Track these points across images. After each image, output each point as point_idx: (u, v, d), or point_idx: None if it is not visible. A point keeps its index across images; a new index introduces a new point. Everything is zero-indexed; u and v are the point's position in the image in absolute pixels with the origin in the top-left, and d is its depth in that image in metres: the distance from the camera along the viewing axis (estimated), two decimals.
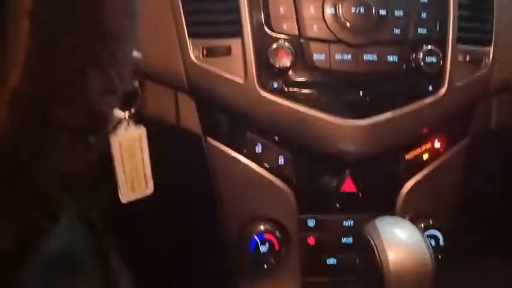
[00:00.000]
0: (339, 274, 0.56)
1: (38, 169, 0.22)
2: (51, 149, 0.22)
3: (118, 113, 0.39)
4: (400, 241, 0.41)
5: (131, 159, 0.40)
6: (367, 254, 0.41)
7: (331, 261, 0.55)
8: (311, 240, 0.55)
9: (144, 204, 0.54)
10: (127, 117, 0.41)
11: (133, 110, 0.41)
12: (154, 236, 0.61)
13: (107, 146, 0.39)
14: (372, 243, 0.41)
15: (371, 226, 0.42)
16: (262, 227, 0.53)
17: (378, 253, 0.40)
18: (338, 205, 0.55)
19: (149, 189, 0.43)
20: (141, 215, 0.58)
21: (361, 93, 0.51)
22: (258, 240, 0.52)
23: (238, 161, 0.53)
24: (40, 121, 0.22)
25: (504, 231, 0.65)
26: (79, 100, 0.22)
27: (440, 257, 0.54)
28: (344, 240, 0.55)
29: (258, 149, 0.53)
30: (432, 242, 0.54)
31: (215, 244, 0.56)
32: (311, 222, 0.54)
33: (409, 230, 0.42)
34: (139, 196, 0.42)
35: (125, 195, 0.41)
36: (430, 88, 0.52)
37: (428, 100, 0.52)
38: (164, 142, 0.52)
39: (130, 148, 0.40)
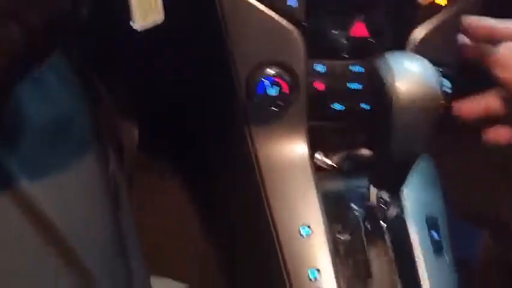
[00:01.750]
0: (345, 120, 0.57)
1: None
2: None
3: None
4: (410, 72, 0.41)
5: None
6: (376, 86, 0.41)
7: (338, 106, 0.56)
8: (319, 85, 0.55)
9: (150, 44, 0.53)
10: None
11: None
12: (161, 84, 0.62)
13: None
14: (382, 73, 0.41)
15: (381, 59, 0.42)
16: (271, 70, 0.53)
17: (387, 83, 0.40)
18: (347, 50, 0.54)
19: (160, 15, 0.41)
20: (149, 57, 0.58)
21: None
22: (266, 83, 0.53)
23: (246, 1, 0.51)
24: None
25: None
26: None
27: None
28: (351, 86, 0.55)
29: None
30: None
31: (224, 89, 0.57)
32: (320, 67, 0.54)
33: (420, 63, 0.41)
34: (151, 24, 0.41)
35: (138, 22, 0.40)
36: None
37: None
38: None
39: None
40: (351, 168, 0.60)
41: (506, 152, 0.56)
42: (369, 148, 0.53)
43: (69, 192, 0.40)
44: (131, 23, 0.40)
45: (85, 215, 0.41)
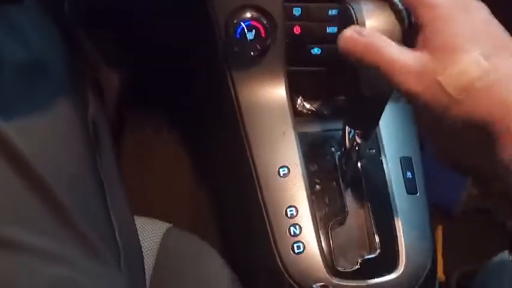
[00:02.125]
0: (323, 63, 0.58)
1: None
2: None
3: None
4: (379, 11, 0.41)
5: None
6: (346, 24, 0.42)
7: (315, 50, 0.57)
8: (296, 29, 0.56)
9: None
10: None
11: None
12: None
13: None
14: (352, 12, 0.42)
15: None
16: (249, 14, 0.54)
17: (356, 21, 0.41)
18: None
19: None
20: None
21: None
22: (244, 27, 0.53)
23: None
24: None
25: None
26: None
27: None
28: (328, 29, 0.56)
29: None
30: None
31: (205, 34, 0.57)
32: (297, 11, 0.55)
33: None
34: None
35: None
36: None
37: None
38: None
39: None
40: (330, 112, 0.61)
41: None
42: (343, 91, 0.54)
43: (45, 133, 0.40)
44: None
45: (61, 156, 0.41)
